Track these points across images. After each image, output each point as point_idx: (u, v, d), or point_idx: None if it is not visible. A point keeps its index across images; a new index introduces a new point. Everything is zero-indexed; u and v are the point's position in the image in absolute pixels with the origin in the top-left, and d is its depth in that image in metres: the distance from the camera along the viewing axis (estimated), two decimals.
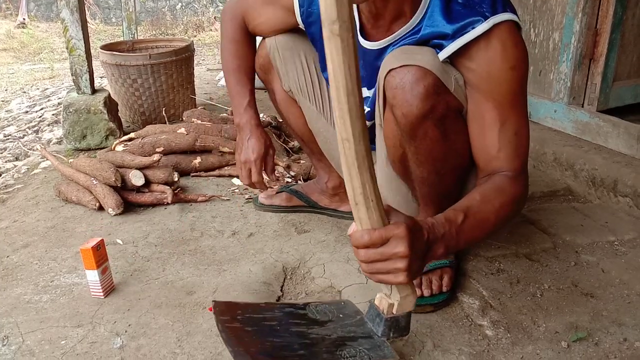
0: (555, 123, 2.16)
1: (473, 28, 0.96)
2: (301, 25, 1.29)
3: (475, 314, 1.17)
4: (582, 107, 2.11)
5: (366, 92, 1.24)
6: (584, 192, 1.85)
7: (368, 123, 1.26)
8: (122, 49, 2.82)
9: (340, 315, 1.05)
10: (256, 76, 1.46)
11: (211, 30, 8.60)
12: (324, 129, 1.40)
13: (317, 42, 1.28)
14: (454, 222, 0.91)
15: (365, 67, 1.19)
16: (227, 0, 1.44)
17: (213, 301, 1.03)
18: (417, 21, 1.06)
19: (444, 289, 1.22)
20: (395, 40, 1.10)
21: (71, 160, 1.87)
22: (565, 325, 1.14)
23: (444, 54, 1.00)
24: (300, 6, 1.24)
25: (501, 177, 1.02)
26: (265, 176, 1.43)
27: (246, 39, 1.39)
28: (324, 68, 1.32)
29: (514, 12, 1.00)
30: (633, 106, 2.19)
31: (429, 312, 1.18)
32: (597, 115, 2.00)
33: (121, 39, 6.11)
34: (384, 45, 1.12)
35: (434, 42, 1.02)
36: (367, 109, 1.24)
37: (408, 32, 1.07)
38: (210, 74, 4.34)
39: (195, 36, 8.38)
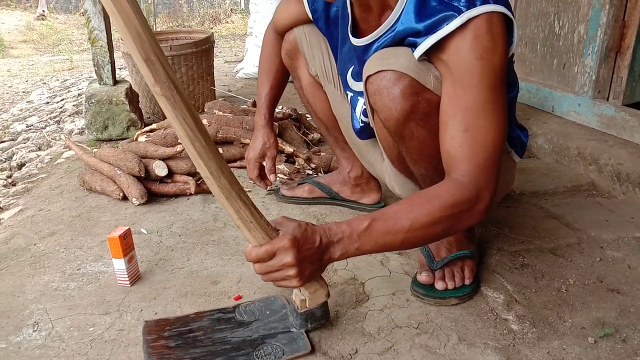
0: (579, 117, 2.13)
1: (447, 24, 0.92)
2: (312, 19, 1.34)
3: (500, 308, 1.16)
4: (607, 100, 2.08)
5: (362, 87, 1.22)
6: (609, 187, 1.82)
7: (366, 119, 1.28)
8: None
9: (267, 312, 1.12)
10: None
11: (227, 22, 8.63)
12: (346, 114, 1.40)
13: (325, 37, 1.34)
14: (356, 226, 0.94)
15: (359, 63, 1.20)
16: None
17: (144, 321, 1.10)
18: (396, 16, 1.04)
19: (467, 281, 1.21)
20: (379, 37, 1.10)
21: (95, 150, 1.89)
22: (591, 320, 1.12)
23: (418, 52, 0.98)
24: (309, 3, 1.31)
25: (447, 181, 0.98)
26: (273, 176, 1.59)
27: (275, 42, 1.51)
28: (335, 60, 1.35)
29: (500, 2, 0.94)
30: None
31: (453, 305, 1.17)
32: (622, 109, 1.96)
33: None
34: (369, 41, 1.12)
35: (409, 39, 1.01)
36: (364, 106, 1.24)
37: (389, 28, 1.07)
38: (228, 66, 4.36)
39: (211, 28, 8.41)
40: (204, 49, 2.67)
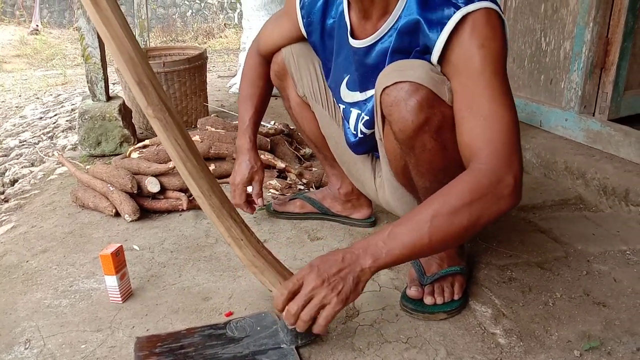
0: (566, 132, 2.17)
1: (448, 19, 0.98)
2: (304, 34, 1.33)
3: (488, 322, 1.18)
4: (593, 115, 2.12)
5: (359, 96, 1.26)
6: (596, 201, 1.85)
7: (368, 131, 1.28)
8: None
9: (258, 328, 1.12)
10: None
11: (221, 37, 8.69)
12: (335, 134, 1.43)
13: (318, 50, 1.34)
14: (379, 235, 0.95)
15: (357, 68, 1.21)
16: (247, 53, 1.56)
17: (136, 338, 1.10)
18: (398, 14, 1.09)
19: (456, 296, 1.23)
20: (382, 36, 1.12)
21: (88, 167, 1.90)
22: (577, 334, 1.14)
23: (435, 58, 1.02)
24: (303, 17, 1.30)
25: (464, 172, 0.97)
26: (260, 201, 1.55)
27: (259, 65, 1.49)
28: (326, 76, 1.36)
29: (494, 2, 0.99)
30: None
31: (441, 320, 1.19)
32: (608, 124, 2.00)
33: None
34: (371, 42, 1.15)
35: (413, 36, 1.05)
36: (364, 117, 1.25)
37: (391, 27, 1.10)
38: (222, 80, 4.39)
39: (205, 42, 8.47)
40: (197, 65, 2.69)
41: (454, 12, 0.97)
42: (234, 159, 1.96)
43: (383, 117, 1.12)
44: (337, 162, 1.51)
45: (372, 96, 1.21)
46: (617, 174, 1.81)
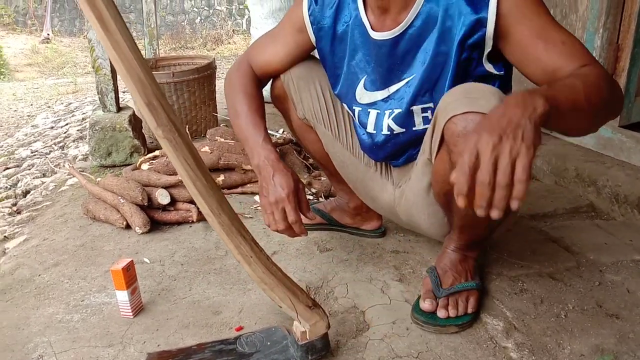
0: (576, 138, 2.15)
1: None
2: (313, 40, 1.31)
3: (499, 336, 1.17)
4: None
5: (379, 94, 1.23)
6: (607, 209, 1.83)
7: (398, 129, 1.24)
8: None
9: (268, 343, 1.12)
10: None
11: (229, 43, 8.74)
12: (340, 153, 1.42)
13: (326, 57, 1.30)
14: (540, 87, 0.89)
15: (381, 62, 1.19)
16: (231, 67, 1.43)
17: (147, 353, 1.11)
18: (420, 4, 1.10)
19: (469, 310, 1.22)
20: (407, 27, 1.12)
21: (99, 179, 1.92)
22: (590, 347, 1.13)
23: (491, 28, 1.03)
24: (312, 23, 1.27)
25: (584, 68, 0.96)
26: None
27: (255, 83, 1.36)
28: (334, 85, 1.33)
29: None
30: None
31: (453, 334, 1.18)
32: (619, 130, 1.99)
33: (143, 53, 6.26)
34: (397, 33, 1.14)
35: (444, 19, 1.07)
36: (395, 111, 1.21)
37: (417, 14, 1.11)
38: None
39: (214, 49, 8.53)
40: (206, 74, 2.71)
41: None
42: (243, 169, 1.98)
43: (441, 139, 1.08)
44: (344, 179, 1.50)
45: (396, 91, 1.20)
46: (630, 182, 1.79)
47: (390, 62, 1.18)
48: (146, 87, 0.77)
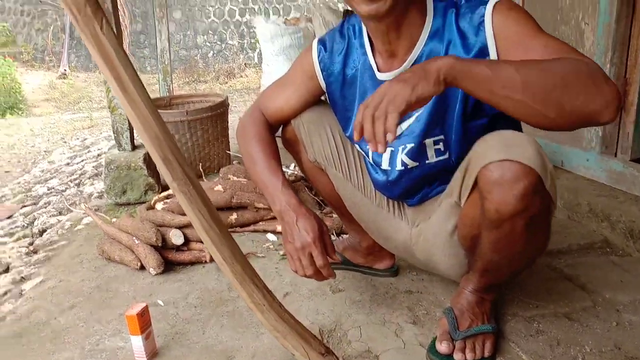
0: (588, 172, 2.15)
1: (484, 16, 1.06)
2: (323, 86, 1.34)
3: None
4: (615, 156, 2.10)
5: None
6: (622, 245, 1.81)
7: (411, 163, 1.24)
8: (160, 105, 2.96)
9: None
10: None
11: (241, 76, 8.89)
12: (351, 194, 1.43)
13: (336, 101, 1.33)
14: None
15: None
16: (243, 115, 1.45)
17: None
18: (426, 38, 1.14)
19: (486, 354, 1.21)
20: (412, 65, 1.16)
21: (114, 219, 1.94)
22: None
23: (493, 51, 1.06)
24: (322, 70, 1.31)
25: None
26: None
27: (268, 130, 1.37)
28: (344, 127, 1.36)
29: None
30: None
31: None
32: (631, 165, 1.98)
33: (156, 87, 6.37)
34: (407, 67, 1.17)
35: (453, 45, 1.11)
36: (407, 146, 1.22)
37: (420, 51, 1.15)
38: None
39: (226, 82, 8.67)
40: (219, 112, 2.76)
41: (485, 8, 1.06)
42: (255, 208, 1.99)
43: (474, 184, 1.08)
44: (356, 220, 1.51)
45: (407, 127, 1.22)
46: None
47: None
48: (162, 143, 0.80)
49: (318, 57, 1.31)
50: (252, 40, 9.68)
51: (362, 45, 1.25)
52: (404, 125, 1.23)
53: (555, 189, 1.06)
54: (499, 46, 1.06)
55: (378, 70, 1.22)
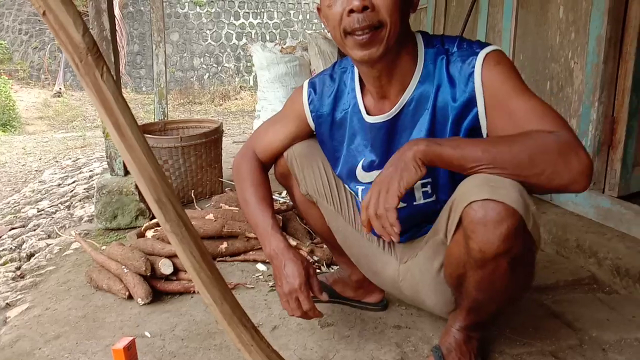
0: (577, 207, 2.18)
1: (474, 67, 1.09)
2: (312, 127, 1.37)
3: None
4: (603, 192, 2.13)
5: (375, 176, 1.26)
6: (609, 281, 1.83)
7: (400, 204, 1.23)
8: (155, 130, 2.97)
9: None
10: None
11: (237, 99, 8.96)
12: (342, 228, 1.45)
13: (325, 141, 1.36)
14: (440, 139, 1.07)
15: (379, 143, 1.24)
16: (237, 154, 1.50)
17: None
18: (416, 83, 1.16)
19: None
20: (402, 108, 1.18)
21: (103, 247, 1.94)
22: None
23: (481, 104, 1.10)
24: (311, 112, 1.35)
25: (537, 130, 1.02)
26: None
27: (260, 169, 1.42)
28: (333, 166, 1.39)
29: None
30: None
31: None
32: (618, 202, 2.01)
33: (151, 107, 6.39)
34: (393, 115, 1.20)
35: (443, 92, 1.14)
36: None
37: (410, 98, 1.17)
38: (236, 146, 4.50)
39: (221, 104, 8.74)
40: (213, 138, 2.78)
41: (476, 59, 1.09)
42: (246, 237, 2.00)
43: (459, 222, 1.09)
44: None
45: None
46: (630, 255, 1.79)
47: (387, 142, 1.24)
48: (157, 186, 0.81)
49: (308, 99, 1.34)
50: (249, 64, 9.79)
51: (353, 89, 1.27)
52: None
53: (538, 229, 1.08)
54: (486, 101, 1.09)
55: (367, 114, 1.25)
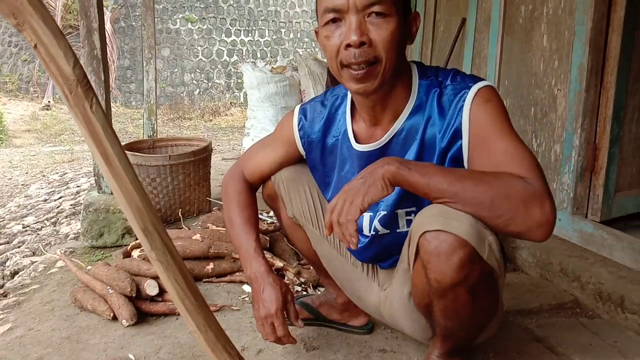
0: (560, 231, 2.21)
1: (464, 101, 1.11)
2: (302, 153, 1.39)
3: None
4: (586, 217, 2.17)
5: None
6: (592, 306, 1.86)
7: (382, 230, 1.29)
8: (143, 148, 2.97)
9: None
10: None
11: (227, 114, 8.98)
12: (327, 252, 1.46)
13: (316, 167, 1.38)
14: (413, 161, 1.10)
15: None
16: (226, 174, 1.52)
17: None
18: (406, 116, 1.18)
19: None
20: (392, 138, 1.20)
21: (89, 267, 1.92)
22: None
23: (466, 138, 1.11)
24: (301, 138, 1.36)
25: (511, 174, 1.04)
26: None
27: (247, 191, 1.44)
28: (324, 191, 1.41)
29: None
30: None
31: None
32: (600, 227, 2.05)
33: (140, 122, 6.39)
34: (382, 144, 1.22)
35: (432, 127, 1.16)
36: (381, 213, 1.27)
37: (400, 128, 1.19)
38: (226, 163, 4.50)
39: (211, 120, 8.75)
40: (202, 157, 2.79)
41: (467, 92, 1.11)
42: (232, 258, 2.00)
43: (417, 251, 1.11)
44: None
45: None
46: (612, 280, 1.82)
47: None
48: (143, 215, 0.81)
49: (298, 125, 1.36)
50: (239, 80, 9.84)
51: (344, 116, 1.29)
52: None
53: (501, 258, 1.10)
54: (471, 136, 1.11)
55: (357, 142, 1.26)
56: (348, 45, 1.07)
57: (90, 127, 0.72)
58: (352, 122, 1.28)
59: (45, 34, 0.69)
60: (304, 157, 1.40)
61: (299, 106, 1.39)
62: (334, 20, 1.09)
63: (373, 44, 1.07)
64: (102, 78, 2.34)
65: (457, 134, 1.13)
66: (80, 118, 0.72)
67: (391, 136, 1.21)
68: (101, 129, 0.73)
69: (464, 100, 1.12)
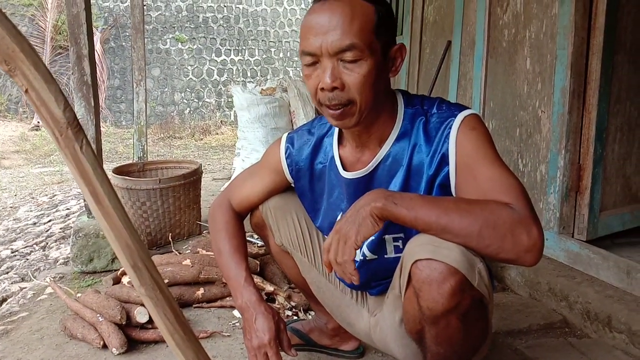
0: (548, 251, 2.23)
1: (451, 128, 1.12)
2: (290, 181, 1.40)
3: None
4: (572, 236, 2.20)
5: None
6: (580, 325, 1.88)
7: (370, 255, 1.30)
8: (133, 171, 2.98)
9: None
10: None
11: (217, 133, 9.00)
12: (316, 279, 1.47)
13: (305, 193, 1.39)
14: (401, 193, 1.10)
15: (353, 200, 1.23)
16: (213, 202, 1.52)
17: None
18: (393, 140, 1.20)
19: None
20: (378, 164, 1.22)
21: (79, 295, 1.92)
22: None
23: (452, 164, 1.13)
24: (289, 166, 1.37)
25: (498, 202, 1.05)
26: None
27: (235, 220, 1.44)
28: (313, 219, 1.42)
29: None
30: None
31: None
32: (587, 246, 2.08)
33: (130, 142, 6.38)
34: (369, 171, 1.23)
35: (411, 154, 1.18)
36: (362, 248, 1.29)
37: (386, 154, 1.21)
38: (216, 184, 4.51)
39: (201, 139, 8.76)
40: (192, 180, 2.80)
41: (454, 120, 1.13)
42: (223, 283, 2.00)
43: (409, 279, 1.12)
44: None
45: None
46: (599, 299, 1.85)
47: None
48: (133, 252, 0.82)
49: (285, 153, 1.37)
50: (229, 99, 9.88)
51: (331, 143, 1.31)
52: None
53: (490, 285, 1.11)
54: (457, 163, 1.13)
55: (345, 169, 1.28)
56: (322, 89, 1.11)
57: (80, 167, 0.74)
58: (339, 147, 1.30)
59: (36, 80, 0.70)
60: (292, 185, 1.41)
61: (286, 134, 1.41)
62: (312, 63, 1.12)
63: (346, 88, 1.10)
64: (92, 104, 2.35)
65: (444, 160, 1.15)
66: (70, 159, 0.73)
67: (377, 162, 1.23)
68: (91, 169, 0.74)
69: (450, 128, 1.14)
